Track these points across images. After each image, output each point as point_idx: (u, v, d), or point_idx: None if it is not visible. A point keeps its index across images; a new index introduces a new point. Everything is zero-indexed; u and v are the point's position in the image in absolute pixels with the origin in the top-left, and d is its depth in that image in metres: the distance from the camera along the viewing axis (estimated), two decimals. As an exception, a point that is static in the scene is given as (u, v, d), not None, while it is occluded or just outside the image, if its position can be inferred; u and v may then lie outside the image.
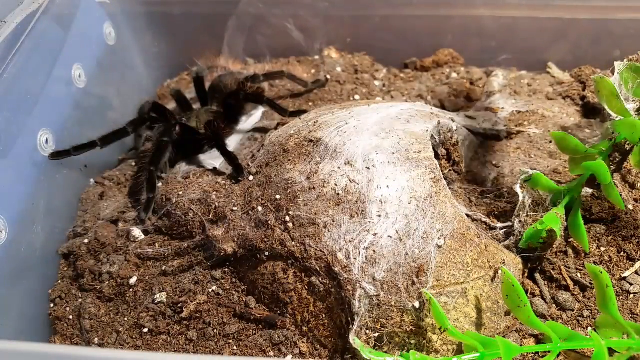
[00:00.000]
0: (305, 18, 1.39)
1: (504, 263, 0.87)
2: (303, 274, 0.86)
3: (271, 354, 0.87)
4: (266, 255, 0.89)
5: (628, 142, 0.95)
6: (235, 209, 0.96)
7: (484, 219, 0.99)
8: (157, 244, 1.02)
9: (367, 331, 0.82)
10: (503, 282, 0.80)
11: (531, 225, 0.91)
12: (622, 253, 0.93)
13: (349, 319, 0.82)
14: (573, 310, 0.90)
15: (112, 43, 1.35)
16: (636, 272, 0.91)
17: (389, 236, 0.83)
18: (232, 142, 1.21)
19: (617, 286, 0.90)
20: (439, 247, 0.84)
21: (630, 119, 0.91)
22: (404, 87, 1.38)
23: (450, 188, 0.90)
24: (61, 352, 0.69)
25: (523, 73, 1.41)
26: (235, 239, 0.93)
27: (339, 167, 0.89)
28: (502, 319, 0.87)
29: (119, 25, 1.37)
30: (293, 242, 0.86)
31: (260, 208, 0.92)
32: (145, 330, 0.92)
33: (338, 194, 0.87)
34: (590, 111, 1.24)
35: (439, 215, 0.86)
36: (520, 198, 0.94)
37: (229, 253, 0.93)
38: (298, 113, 1.17)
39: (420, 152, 0.91)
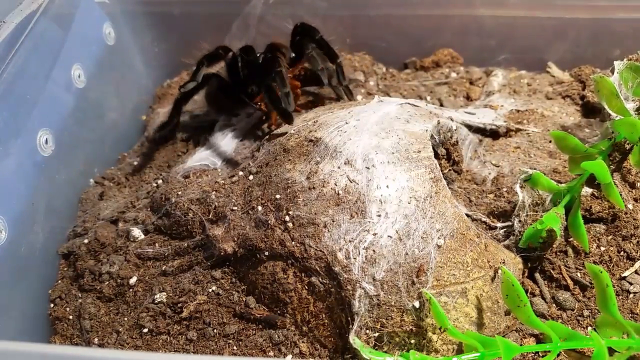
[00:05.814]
0: (305, 18, 1.39)
1: (503, 263, 0.87)
2: (303, 274, 0.86)
3: (271, 354, 0.87)
4: (266, 255, 0.89)
5: (628, 142, 0.95)
6: (235, 208, 0.96)
7: (483, 219, 0.99)
8: (157, 244, 1.01)
9: (367, 331, 0.82)
10: (503, 281, 0.80)
11: (531, 224, 0.91)
12: (622, 252, 0.93)
13: (349, 318, 0.82)
14: (573, 310, 0.90)
15: (111, 43, 1.35)
16: (636, 272, 0.91)
17: (388, 236, 0.83)
18: (232, 142, 1.21)
19: (617, 286, 0.90)
20: (439, 246, 0.84)
21: (629, 118, 0.91)
22: (404, 87, 1.38)
23: (450, 188, 0.90)
24: (61, 352, 0.69)
25: (523, 72, 1.41)
26: (235, 239, 0.92)
27: (338, 167, 0.89)
28: (502, 318, 0.87)
29: (119, 25, 1.37)
30: (293, 242, 0.86)
31: (260, 207, 0.92)
32: (145, 330, 0.92)
33: (338, 194, 0.86)
34: (590, 111, 1.24)
35: (439, 215, 0.86)
36: (520, 198, 0.94)
37: (228, 252, 0.93)
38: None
39: (419, 151, 0.91)
